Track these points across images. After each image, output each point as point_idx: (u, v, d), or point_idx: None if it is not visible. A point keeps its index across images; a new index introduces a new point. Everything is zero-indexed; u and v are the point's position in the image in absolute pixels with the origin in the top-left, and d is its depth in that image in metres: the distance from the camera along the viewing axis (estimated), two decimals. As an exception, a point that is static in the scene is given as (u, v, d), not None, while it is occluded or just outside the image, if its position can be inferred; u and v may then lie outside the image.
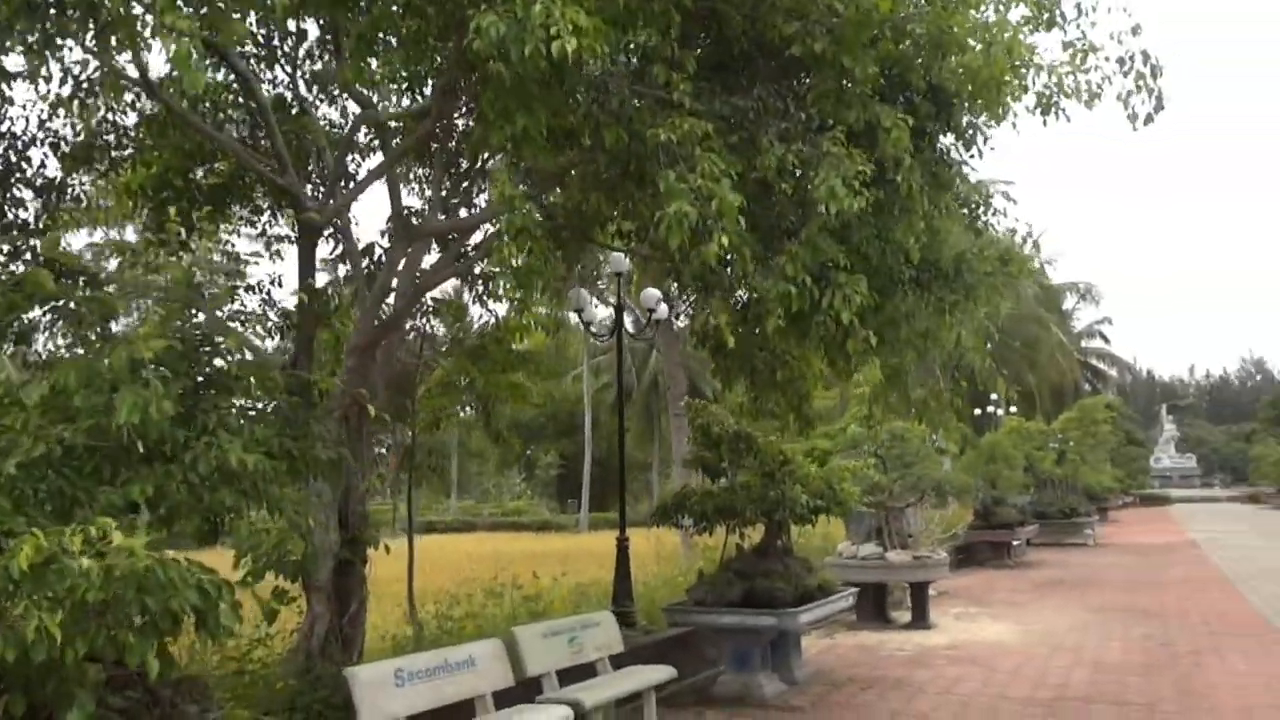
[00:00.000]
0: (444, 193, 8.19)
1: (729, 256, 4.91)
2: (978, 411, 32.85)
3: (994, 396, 32.52)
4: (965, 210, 6.89)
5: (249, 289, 8.49)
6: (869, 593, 12.42)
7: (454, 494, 61.23)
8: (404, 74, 6.15)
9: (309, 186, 7.99)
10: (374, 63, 5.84)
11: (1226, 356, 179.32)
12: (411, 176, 9.26)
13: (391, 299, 7.43)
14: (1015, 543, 21.77)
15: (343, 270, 10.33)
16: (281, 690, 6.44)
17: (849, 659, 10.28)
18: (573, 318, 11.89)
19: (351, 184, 7.72)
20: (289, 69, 8.09)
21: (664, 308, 11.00)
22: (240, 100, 8.01)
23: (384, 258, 7.79)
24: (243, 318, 8.75)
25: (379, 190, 7.50)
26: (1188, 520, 41.04)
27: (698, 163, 4.39)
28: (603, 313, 13.73)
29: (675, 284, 8.25)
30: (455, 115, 6.93)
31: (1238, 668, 9.26)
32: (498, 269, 8.75)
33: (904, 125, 4.99)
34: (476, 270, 8.44)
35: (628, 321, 13.43)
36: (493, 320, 9.40)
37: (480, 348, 8.95)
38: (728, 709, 8.15)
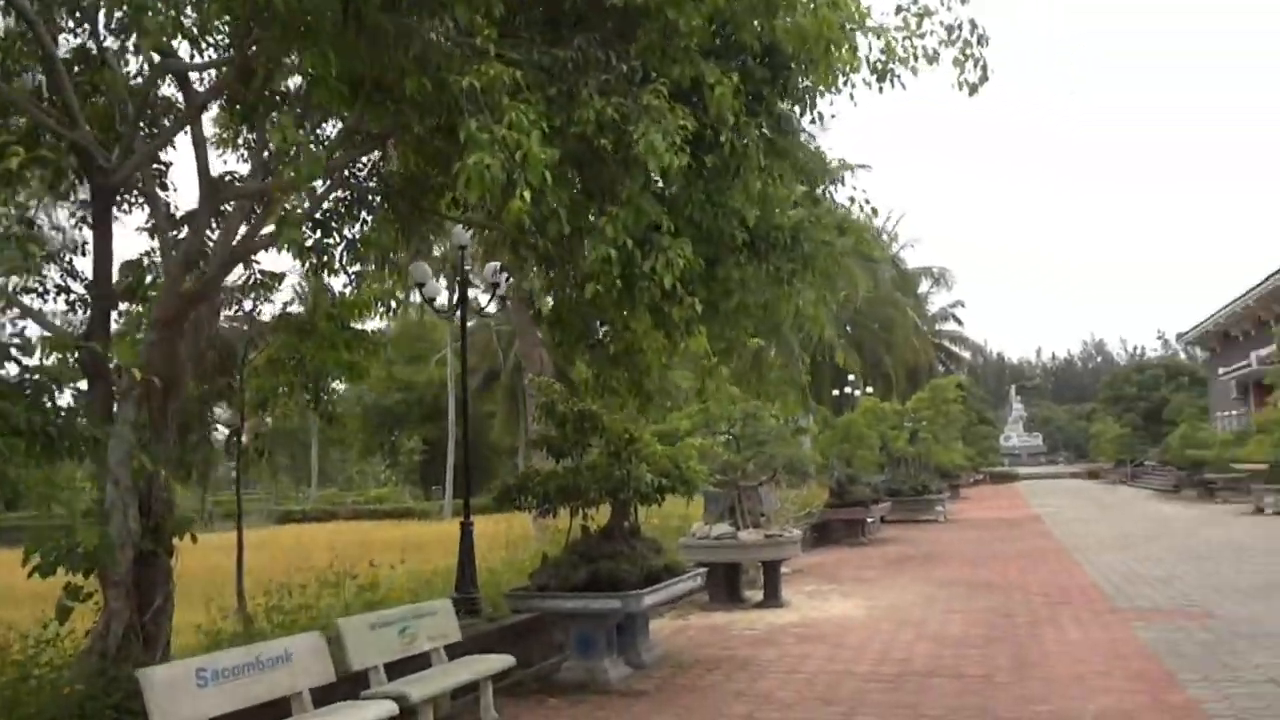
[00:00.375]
0: (266, 154, 7.60)
1: (544, 217, 4.58)
2: (836, 392, 33.56)
3: (850, 377, 33.27)
4: (804, 179, 6.72)
5: (48, 259, 7.77)
6: (722, 572, 12.38)
7: (314, 482, 59.38)
8: (196, 19, 5.57)
9: (117, 148, 7.30)
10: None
11: (1071, 339, 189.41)
12: (240, 140, 8.60)
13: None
14: (869, 520, 22.22)
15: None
16: (70, 695, 5.84)
17: (699, 640, 10.15)
18: (415, 295, 11.35)
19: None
20: (86, 17, 7.35)
21: (507, 282, 10.61)
22: (34, 51, 7.25)
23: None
24: (38, 288, 7.95)
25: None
26: (1033, 496, 42.97)
27: (505, 113, 4.05)
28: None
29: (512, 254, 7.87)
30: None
31: (1071, 636, 9.52)
32: (331, 239, 8.26)
33: (729, 83, 4.75)
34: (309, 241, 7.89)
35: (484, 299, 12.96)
36: (329, 294, 8.86)
37: (308, 323, 8.38)
38: (571, 696, 7.88)
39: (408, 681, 6.63)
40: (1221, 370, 52.46)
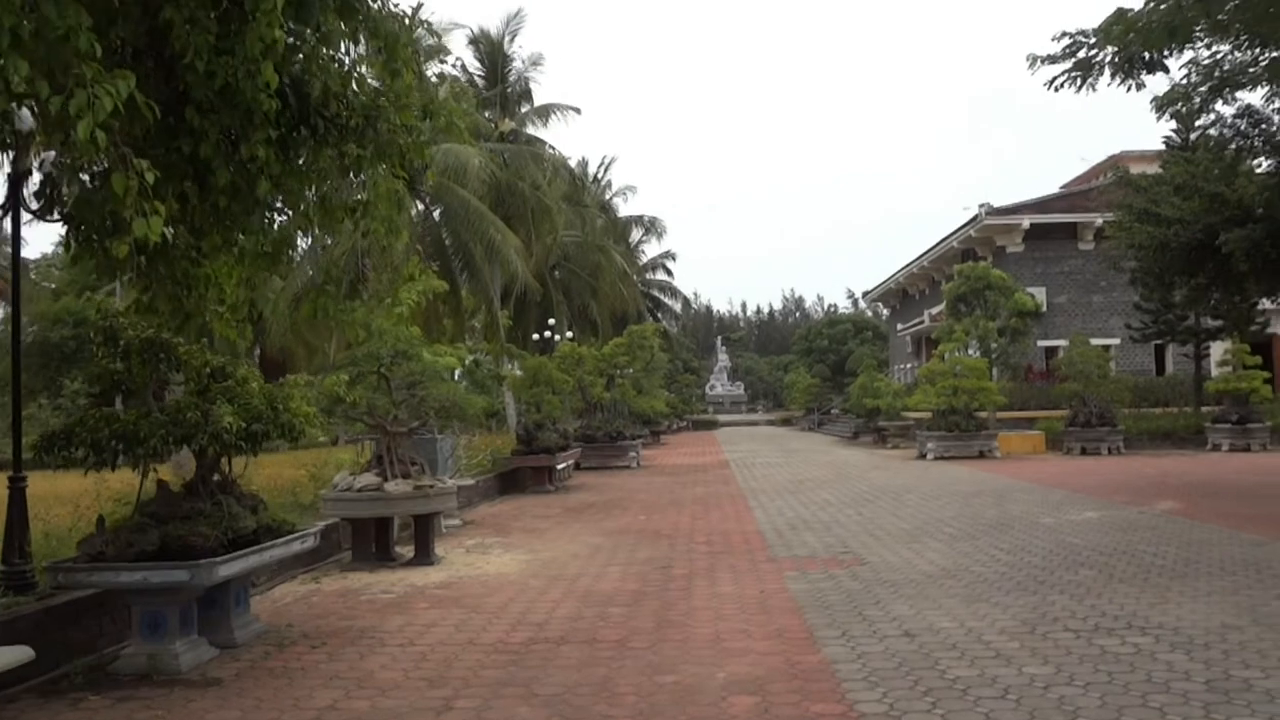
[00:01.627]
0: None
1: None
2: (537, 337, 32.76)
3: (551, 322, 32.56)
4: (381, 46, 5.39)
5: None
6: (369, 529, 11.06)
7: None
8: None
9: None
10: None
11: (774, 295, 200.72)
12: None
13: None
14: (559, 467, 21.57)
15: None
16: None
17: (322, 608, 8.80)
18: None
19: None
20: None
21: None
22: None
23: None
24: None
25: None
26: (728, 442, 44.46)
27: None
28: None
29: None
30: None
31: (722, 590, 9.00)
32: None
33: None
34: None
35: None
36: None
37: None
38: (122, 691, 6.31)
39: None
40: (900, 326, 56.74)
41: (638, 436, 31.55)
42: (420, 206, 25.05)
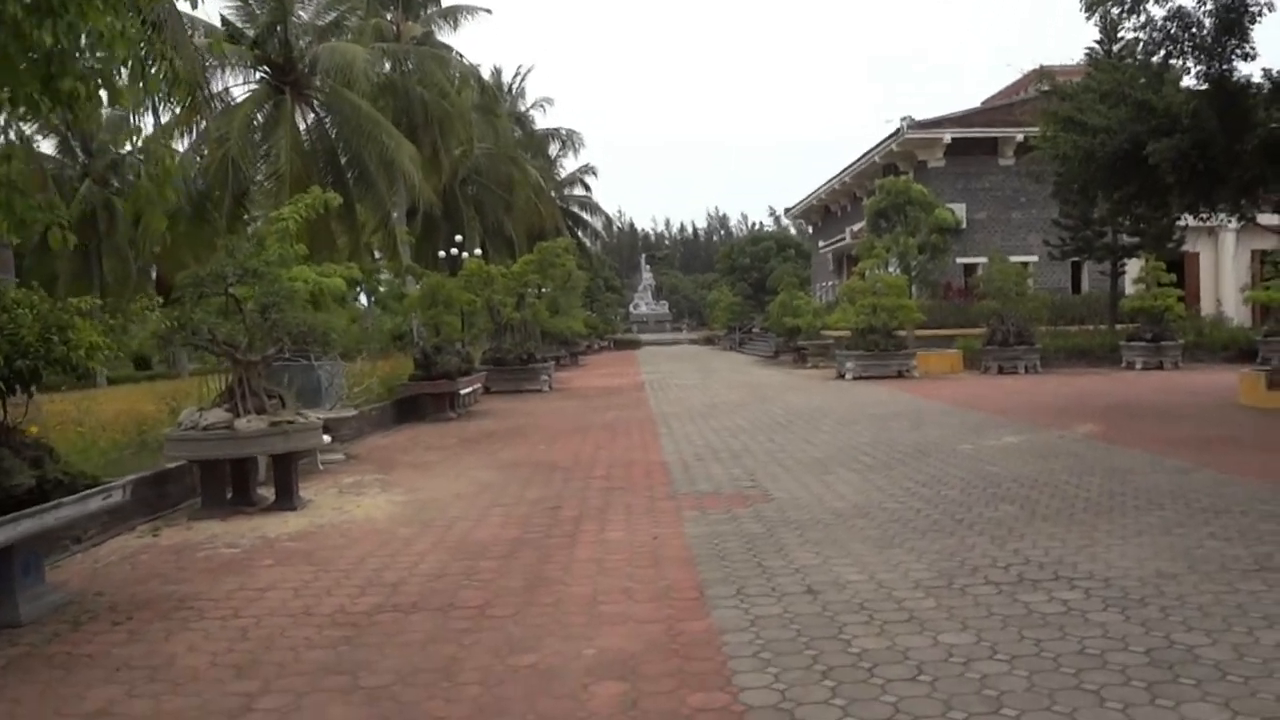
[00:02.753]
0: None
1: None
2: (443, 254, 31.25)
3: (459, 238, 31.04)
4: None
5: None
6: (222, 471, 9.84)
7: None
8: None
9: None
10: None
11: (698, 213, 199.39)
12: None
13: None
14: (464, 393, 20.44)
15: None
16: None
17: (148, 569, 7.62)
18: None
19: None
20: None
21: None
22: None
23: None
24: None
25: None
26: (648, 362, 43.67)
27: None
28: None
29: None
30: None
31: (611, 535, 8.05)
32: None
33: None
34: None
35: None
36: None
37: None
38: None
39: None
40: (822, 244, 56.11)
41: (551, 359, 30.48)
42: (310, 115, 23.22)
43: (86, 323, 6.22)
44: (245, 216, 22.81)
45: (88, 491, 6.40)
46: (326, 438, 12.76)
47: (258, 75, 22.23)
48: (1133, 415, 15.69)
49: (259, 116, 22.00)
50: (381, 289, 28.33)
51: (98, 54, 4.64)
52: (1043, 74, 17.19)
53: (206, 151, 19.97)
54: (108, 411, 12.61)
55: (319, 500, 10.35)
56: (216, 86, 21.91)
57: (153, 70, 6.17)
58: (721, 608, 5.89)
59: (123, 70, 5.49)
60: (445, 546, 7.92)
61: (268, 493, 10.42)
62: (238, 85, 22.16)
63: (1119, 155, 15.71)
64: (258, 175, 21.62)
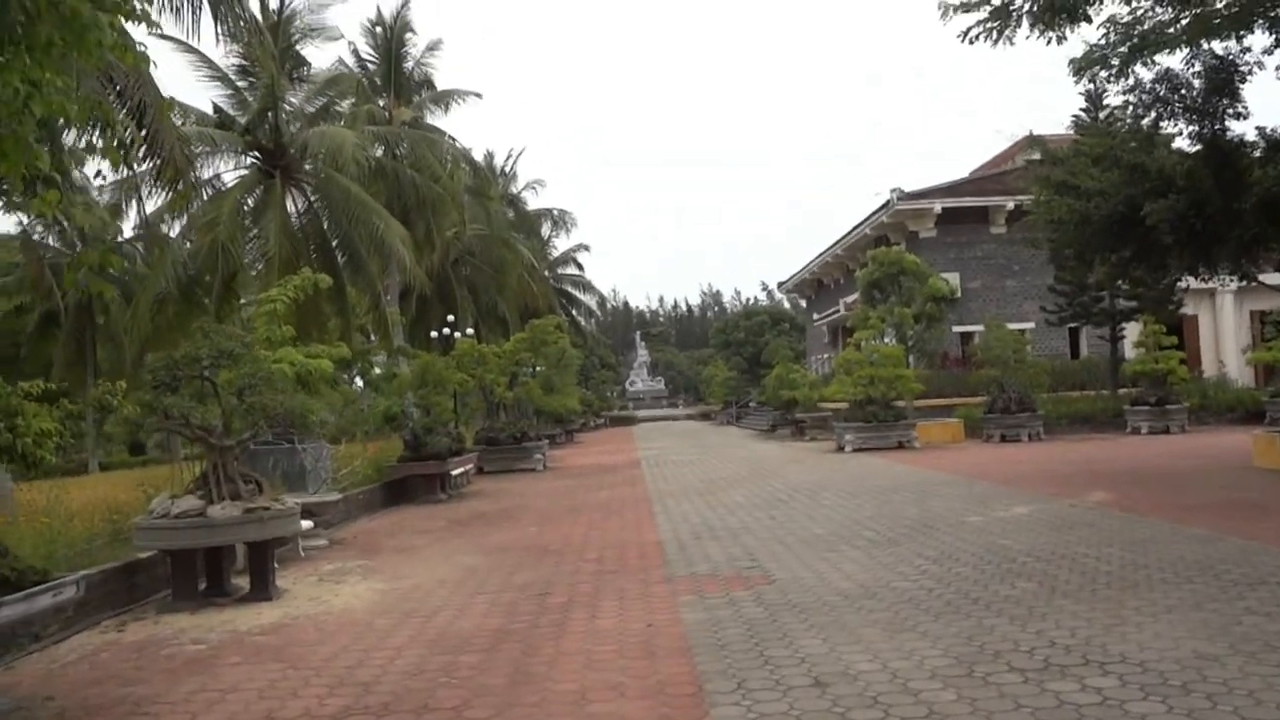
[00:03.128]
0: None
1: None
2: (435, 334, 30.96)
3: (451, 318, 30.79)
4: None
5: None
6: (193, 561, 9.32)
7: None
8: None
9: None
10: None
11: (690, 290, 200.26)
12: None
13: None
14: (455, 474, 19.94)
15: None
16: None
17: (106, 669, 7.08)
18: None
19: None
20: None
21: None
22: None
23: None
24: None
25: None
26: (645, 439, 43.15)
27: None
28: None
29: None
30: None
31: (602, 624, 7.52)
32: None
33: None
34: None
35: None
36: None
37: None
38: None
39: None
40: (816, 316, 56.06)
41: (544, 437, 30.00)
42: (301, 199, 23.11)
43: (37, 408, 5.79)
44: (236, 301, 22.54)
45: (35, 589, 5.90)
46: (308, 523, 12.25)
47: (248, 160, 22.14)
48: (1145, 482, 15.20)
49: (249, 201, 21.87)
50: (376, 370, 28.00)
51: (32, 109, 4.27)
52: (1033, 141, 17.09)
53: (195, 236, 19.76)
54: (81, 499, 12.09)
55: (296, 589, 9.80)
56: (207, 173, 21.84)
57: (110, 139, 5.86)
58: (721, 704, 5.37)
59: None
60: (425, 639, 7.39)
61: (244, 582, 9.88)
62: (229, 171, 22.08)
63: (1114, 218, 15.50)
64: (247, 259, 21.39)
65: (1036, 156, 22.69)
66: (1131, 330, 31.17)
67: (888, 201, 38.18)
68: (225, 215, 19.70)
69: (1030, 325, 36.59)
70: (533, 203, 51.63)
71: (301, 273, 17.65)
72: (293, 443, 13.62)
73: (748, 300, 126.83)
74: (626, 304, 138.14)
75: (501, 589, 9.23)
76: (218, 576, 9.61)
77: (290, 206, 21.87)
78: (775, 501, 15.30)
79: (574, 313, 61.38)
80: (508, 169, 49.25)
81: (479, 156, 46.69)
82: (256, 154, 21.75)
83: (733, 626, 7.16)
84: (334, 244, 22.74)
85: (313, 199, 22.57)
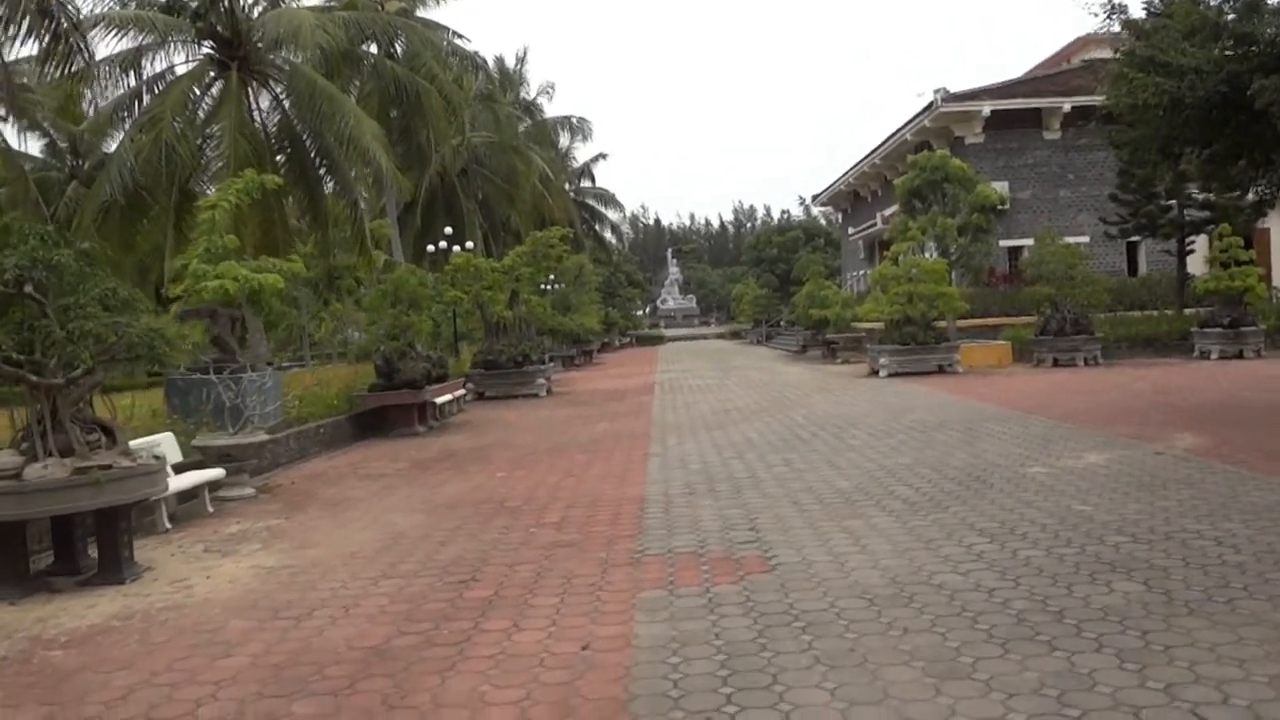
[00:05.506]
0: None
1: None
2: (432, 248, 28.63)
3: (448, 230, 28.41)
4: None
5: None
6: (18, 534, 7.17)
7: None
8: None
9: None
10: None
11: (723, 207, 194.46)
12: None
13: None
14: (441, 401, 17.80)
15: None
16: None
17: None
18: None
19: None
20: None
21: None
22: None
23: None
24: None
25: None
26: (668, 360, 40.95)
27: None
28: None
29: None
30: None
31: (518, 646, 5.28)
32: None
33: None
34: None
35: None
36: None
37: None
38: None
39: None
40: (851, 231, 53.03)
41: (554, 359, 27.83)
42: (268, 97, 20.62)
43: None
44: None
45: None
46: (218, 472, 10.15)
47: (203, 52, 19.62)
48: (1238, 420, 12.70)
49: (206, 99, 19.40)
50: (362, 289, 25.83)
51: None
52: (1113, 8, 14.28)
53: (138, 136, 17.42)
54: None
55: (167, 564, 7.69)
56: (158, 66, 19.37)
57: None
58: None
59: None
60: (270, 662, 5.21)
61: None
62: (182, 64, 19.57)
63: (1213, 100, 12.69)
64: (209, 164, 19.02)
65: (1099, 55, 19.67)
66: (1200, 246, 28.16)
67: (931, 103, 34.94)
68: (169, 110, 17.28)
69: (1084, 239, 33.45)
70: (549, 111, 48.66)
71: (246, 174, 15.34)
72: (231, 372, 11.49)
73: (781, 215, 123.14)
74: (658, 221, 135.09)
75: (419, 570, 7.04)
76: (68, 549, 7.51)
77: (249, 102, 19.38)
78: (794, 440, 12.99)
79: (597, 227, 58.77)
80: (517, 72, 46.14)
81: (490, 57, 43.79)
82: (211, 43, 19.21)
83: (701, 656, 4.90)
84: (309, 147, 20.29)
85: (280, 94, 20.07)
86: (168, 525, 8.99)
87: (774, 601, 5.74)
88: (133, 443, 7.99)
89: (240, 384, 11.18)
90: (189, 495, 9.90)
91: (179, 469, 10.01)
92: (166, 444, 9.90)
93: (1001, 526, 7.33)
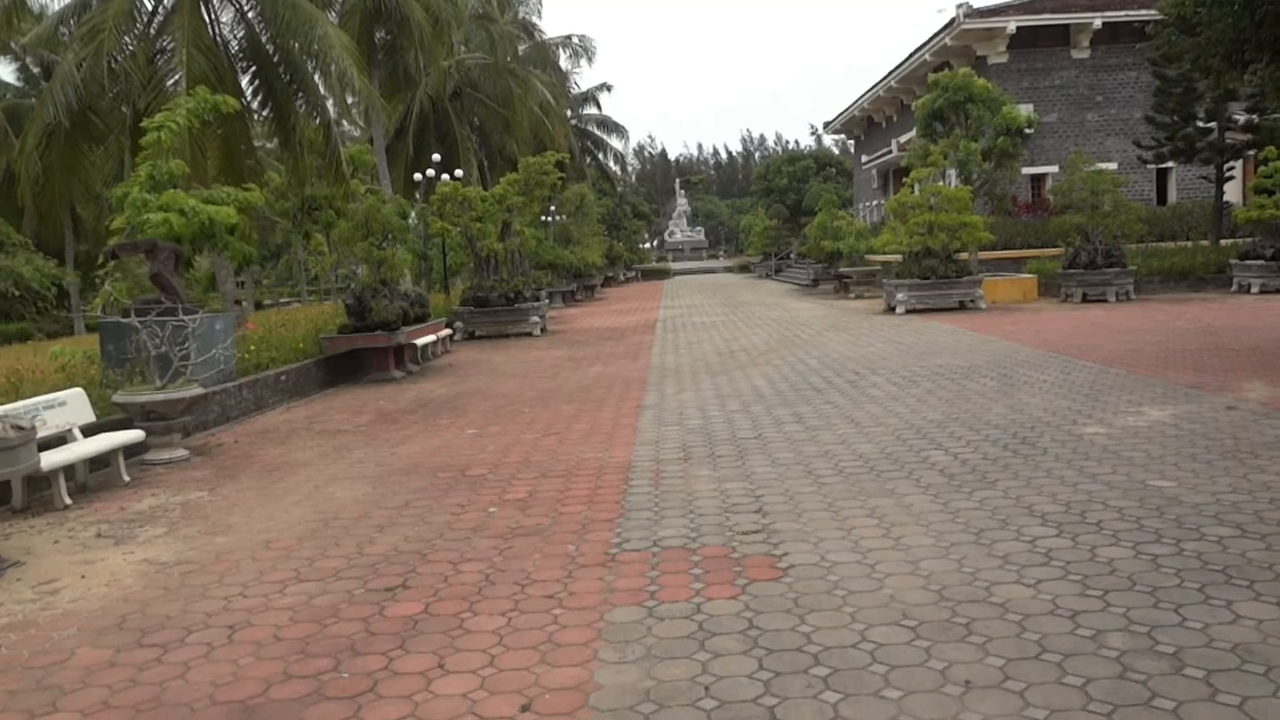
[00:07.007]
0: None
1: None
2: (418, 176, 26.93)
3: (435, 157, 26.68)
4: None
5: None
6: None
7: None
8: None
9: None
10: None
11: (731, 137, 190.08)
12: None
13: None
14: (422, 342, 16.37)
15: None
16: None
17: None
18: None
19: None
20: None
21: None
22: None
23: None
24: None
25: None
26: (672, 295, 39.42)
27: None
28: None
29: None
30: None
31: (438, 695, 3.89)
32: None
33: None
34: None
35: None
36: None
37: None
38: None
39: None
40: (865, 159, 50.92)
41: (550, 295, 26.32)
42: (231, 9, 18.81)
43: None
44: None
45: None
46: (137, 434, 8.75)
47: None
48: (1309, 365, 11.20)
49: (159, 9, 17.63)
50: (341, 221, 24.19)
51: None
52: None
53: (77, 49, 15.72)
54: None
55: (45, 555, 6.32)
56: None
57: None
58: None
59: None
60: (103, 717, 3.83)
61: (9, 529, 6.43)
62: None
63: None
64: (168, 82, 17.33)
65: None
66: (1238, 172, 26.34)
67: (953, 19, 32.77)
68: (111, 19, 15.56)
69: (1113, 166, 31.61)
70: (551, 32, 46.39)
71: (198, 92, 13.72)
72: (164, 314, 10.01)
73: (790, 143, 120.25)
74: (664, 152, 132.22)
75: (341, 568, 5.64)
76: (-77, 534, 6.13)
77: (216, 17, 17.63)
78: (806, 389, 11.54)
79: (600, 156, 56.68)
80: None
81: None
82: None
83: (682, 728, 3.49)
84: (277, 64, 18.56)
85: (244, 6, 18.28)
86: (67, 501, 7.61)
87: (785, 631, 4.31)
88: (2, 408, 6.57)
89: (165, 329, 9.70)
90: (104, 462, 8.52)
91: (93, 430, 8.64)
92: (74, 401, 8.50)
93: (1067, 510, 5.89)
